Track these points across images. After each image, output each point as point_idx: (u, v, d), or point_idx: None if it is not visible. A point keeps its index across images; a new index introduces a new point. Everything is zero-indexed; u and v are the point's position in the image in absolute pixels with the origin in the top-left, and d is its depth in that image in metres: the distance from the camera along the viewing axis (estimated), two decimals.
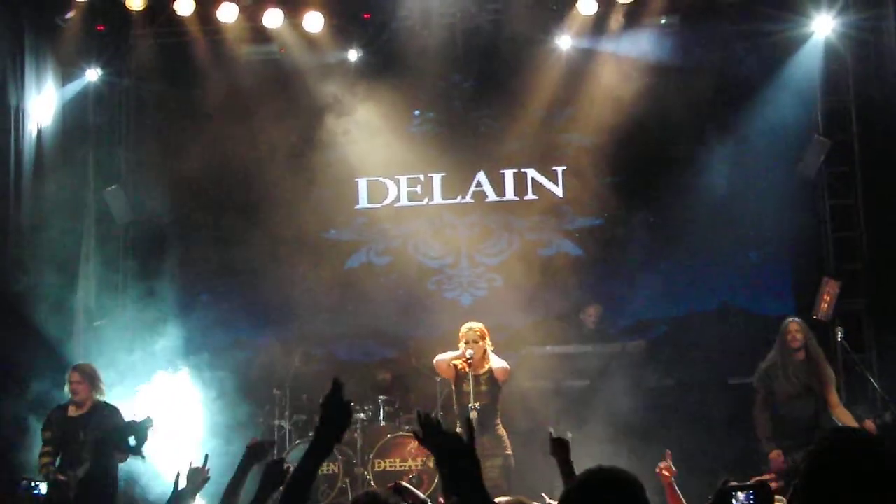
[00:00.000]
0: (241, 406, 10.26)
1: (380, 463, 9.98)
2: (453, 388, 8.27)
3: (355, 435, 10.13)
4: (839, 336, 9.22)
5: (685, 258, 11.59)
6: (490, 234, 12.03)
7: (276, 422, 10.58)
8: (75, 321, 10.62)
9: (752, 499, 3.92)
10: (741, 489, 4.01)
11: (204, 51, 11.23)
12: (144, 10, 10.57)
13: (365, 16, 11.41)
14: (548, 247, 11.92)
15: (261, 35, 11.25)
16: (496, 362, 8.14)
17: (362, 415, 10.24)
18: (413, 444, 9.91)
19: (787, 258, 11.59)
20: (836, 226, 11.12)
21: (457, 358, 8.07)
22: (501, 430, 8.16)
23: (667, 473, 5.13)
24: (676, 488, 5.09)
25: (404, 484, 4.82)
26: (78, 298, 10.86)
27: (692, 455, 8.69)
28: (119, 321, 11.25)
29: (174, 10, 10.67)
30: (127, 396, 9.91)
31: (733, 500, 3.95)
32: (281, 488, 4.39)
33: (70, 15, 10.70)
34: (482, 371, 8.10)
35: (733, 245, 11.49)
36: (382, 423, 10.30)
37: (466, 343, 8.05)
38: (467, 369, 7.98)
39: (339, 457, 9.99)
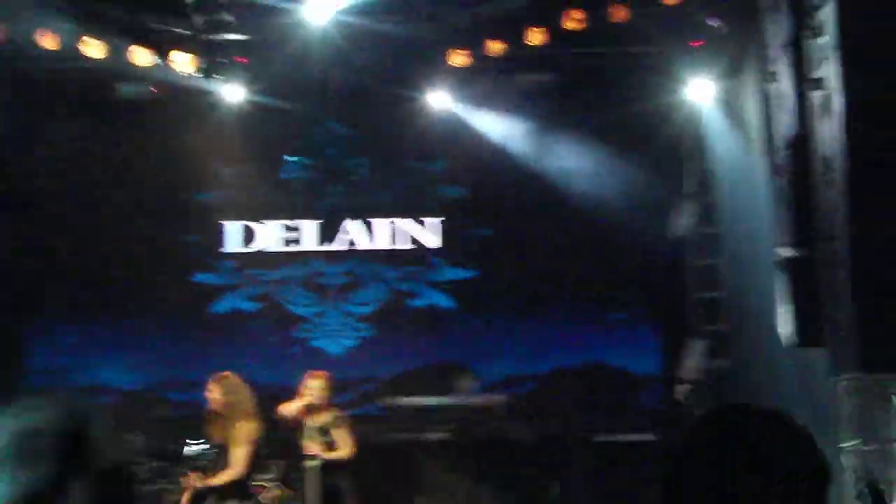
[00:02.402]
0: None
1: None
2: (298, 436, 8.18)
3: None
4: (680, 395, 9.25)
5: (554, 314, 11.64)
6: (360, 283, 11.90)
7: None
8: None
9: None
10: None
11: (71, 87, 11.01)
12: (5, 42, 10.26)
13: (240, 59, 11.28)
14: (418, 298, 11.84)
15: (132, 73, 11.04)
16: (340, 437, 8.11)
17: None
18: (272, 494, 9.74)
19: (652, 318, 11.66)
20: (701, 286, 11.23)
21: (296, 408, 8.01)
22: (344, 483, 8.06)
23: None
24: None
25: None
26: None
27: None
28: None
29: (39, 44, 10.41)
30: None
31: None
32: None
33: None
34: (322, 421, 8.03)
35: (601, 304, 11.58)
36: None
37: (303, 390, 8.00)
38: (303, 418, 7.91)
39: None
